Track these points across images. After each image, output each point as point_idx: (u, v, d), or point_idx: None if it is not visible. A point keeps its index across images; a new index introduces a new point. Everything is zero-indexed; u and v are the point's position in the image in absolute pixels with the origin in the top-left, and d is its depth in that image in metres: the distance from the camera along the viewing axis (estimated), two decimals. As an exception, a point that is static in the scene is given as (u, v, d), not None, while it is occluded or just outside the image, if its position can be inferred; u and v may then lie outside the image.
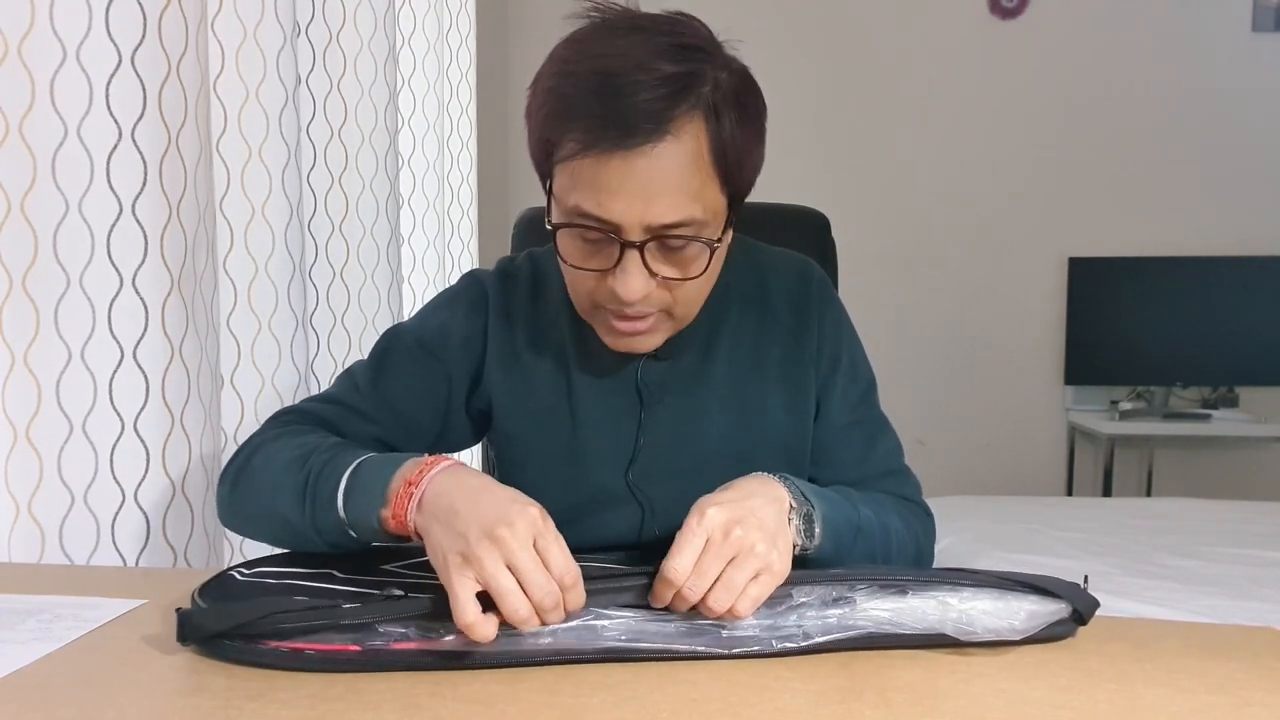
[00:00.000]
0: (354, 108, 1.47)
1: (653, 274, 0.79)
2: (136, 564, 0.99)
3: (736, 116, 0.77)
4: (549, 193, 0.81)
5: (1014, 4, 3.37)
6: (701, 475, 0.86)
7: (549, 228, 0.81)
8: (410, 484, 0.70)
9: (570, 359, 0.92)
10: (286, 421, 0.89)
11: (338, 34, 1.45)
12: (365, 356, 0.96)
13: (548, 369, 0.92)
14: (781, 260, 0.98)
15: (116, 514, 0.97)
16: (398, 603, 0.65)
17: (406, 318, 1.87)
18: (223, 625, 0.63)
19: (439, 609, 0.64)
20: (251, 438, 0.88)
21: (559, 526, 0.77)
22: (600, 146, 0.74)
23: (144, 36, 0.95)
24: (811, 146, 3.45)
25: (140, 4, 0.94)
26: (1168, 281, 3.26)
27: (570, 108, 0.75)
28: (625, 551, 0.91)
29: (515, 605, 0.62)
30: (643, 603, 0.68)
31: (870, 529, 0.84)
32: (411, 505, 0.69)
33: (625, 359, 0.91)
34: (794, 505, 0.75)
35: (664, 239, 0.77)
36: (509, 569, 0.63)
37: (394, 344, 0.94)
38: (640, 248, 0.77)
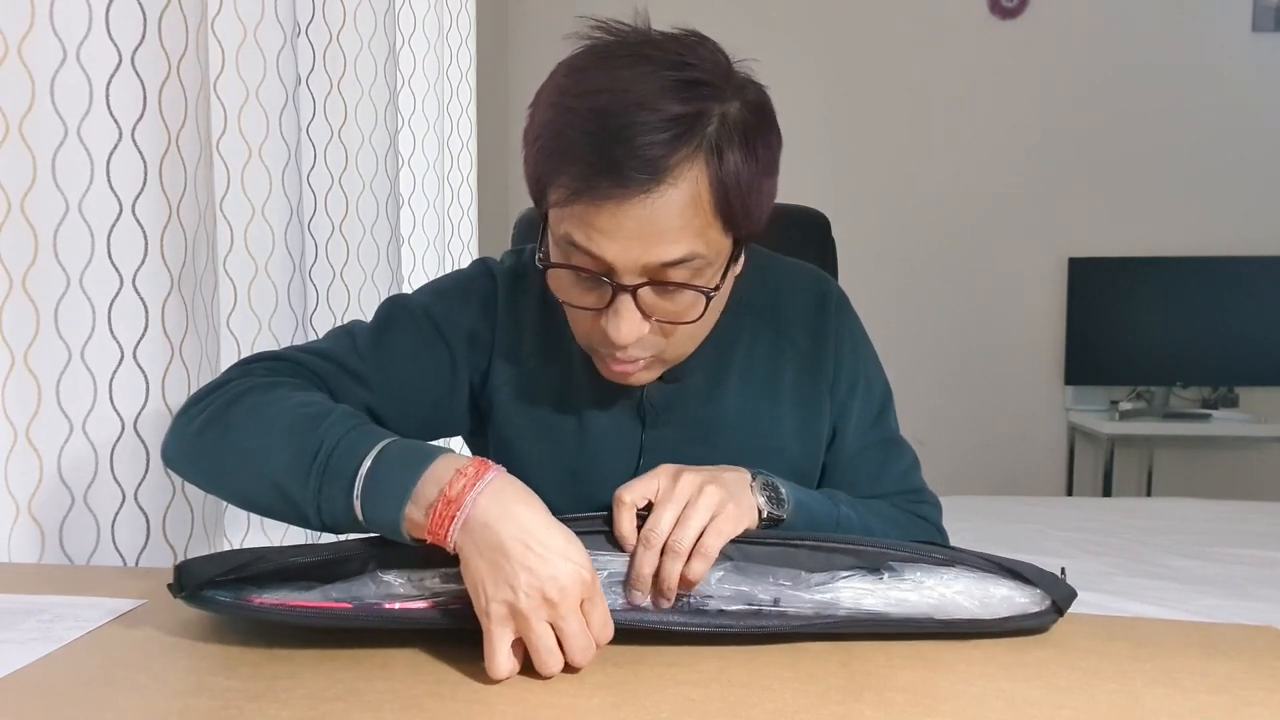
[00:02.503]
0: (354, 108, 1.47)
1: (646, 316, 0.75)
2: (136, 564, 0.99)
3: (742, 153, 0.72)
4: (544, 222, 0.77)
5: (1014, 4, 3.37)
6: None
7: (539, 265, 0.77)
8: (451, 503, 0.64)
9: (577, 374, 0.89)
10: (274, 369, 0.80)
11: (338, 34, 1.45)
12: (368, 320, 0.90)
13: (554, 381, 0.90)
14: (797, 277, 0.95)
15: (116, 514, 0.97)
16: (391, 546, 0.66)
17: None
18: (217, 570, 0.64)
19: (430, 556, 0.65)
20: (230, 378, 0.78)
21: None
22: (592, 195, 0.70)
23: (144, 36, 0.95)
24: (811, 146, 3.45)
25: (140, 4, 0.94)
26: (1168, 281, 3.26)
27: (564, 148, 0.71)
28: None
29: (551, 664, 0.62)
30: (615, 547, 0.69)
31: (850, 527, 0.83)
32: (454, 527, 0.63)
33: None
34: (754, 476, 0.76)
35: (659, 283, 0.74)
36: (553, 628, 0.62)
37: (400, 313, 0.88)
38: (633, 291, 0.74)
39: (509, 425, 0.90)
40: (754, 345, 0.91)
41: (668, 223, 0.71)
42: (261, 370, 0.80)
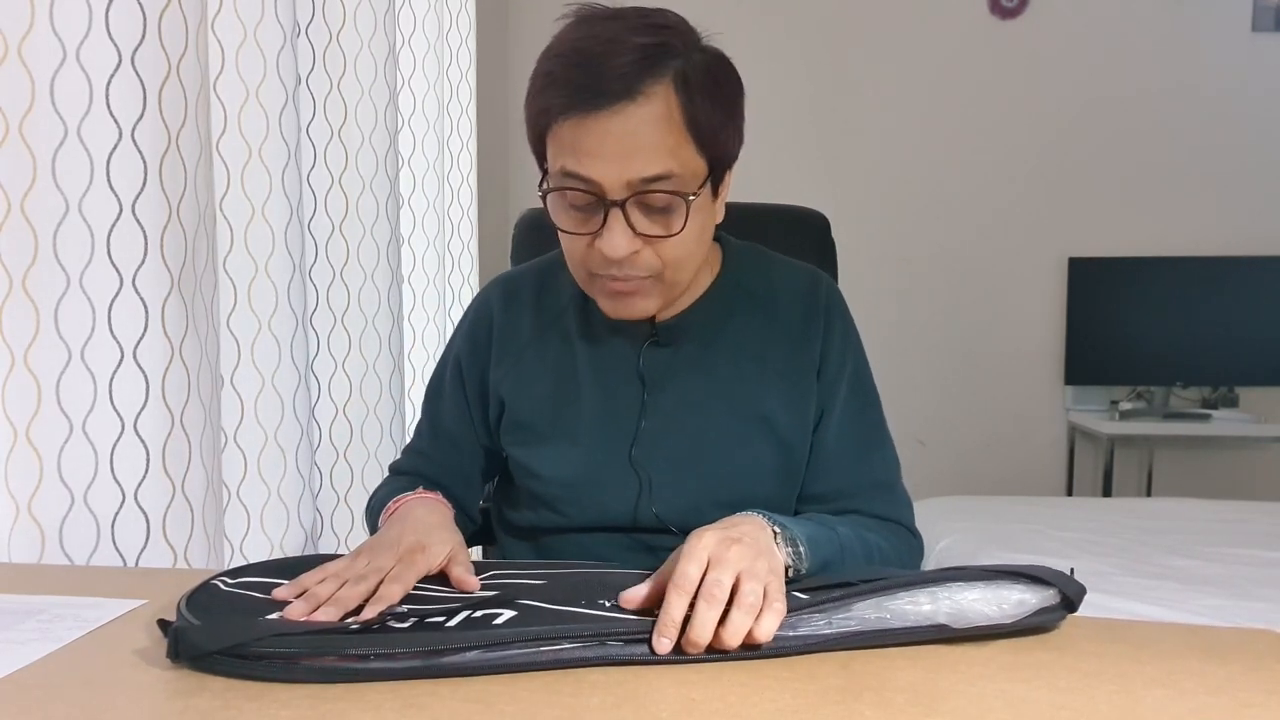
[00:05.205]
0: (354, 108, 1.47)
1: (636, 233, 0.83)
2: (136, 564, 0.99)
3: (707, 90, 0.82)
4: (544, 172, 0.86)
5: (1014, 4, 3.37)
6: (700, 460, 0.93)
7: (539, 193, 0.86)
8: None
9: (575, 344, 0.97)
10: (388, 480, 1.07)
11: (338, 34, 1.45)
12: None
13: (553, 354, 0.98)
14: (794, 269, 1.01)
15: (116, 514, 0.97)
16: (393, 634, 0.64)
17: (407, 319, 1.89)
18: (219, 645, 0.61)
19: (439, 636, 0.63)
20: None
21: (563, 502, 0.95)
22: (576, 110, 0.80)
23: (144, 36, 0.95)
24: (811, 146, 3.45)
25: (140, 4, 0.94)
26: (1168, 281, 3.26)
27: (552, 81, 0.82)
28: (624, 533, 0.94)
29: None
30: (648, 654, 0.64)
31: (850, 545, 0.85)
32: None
33: (629, 344, 0.95)
34: (778, 531, 0.76)
35: (644, 195, 0.82)
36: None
37: (438, 382, 1.06)
38: (622, 206, 0.82)
39: (515, 401, 0.98)
40: (747, 323, 0.97)
41: (645, 138, 0.80)
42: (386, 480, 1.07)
